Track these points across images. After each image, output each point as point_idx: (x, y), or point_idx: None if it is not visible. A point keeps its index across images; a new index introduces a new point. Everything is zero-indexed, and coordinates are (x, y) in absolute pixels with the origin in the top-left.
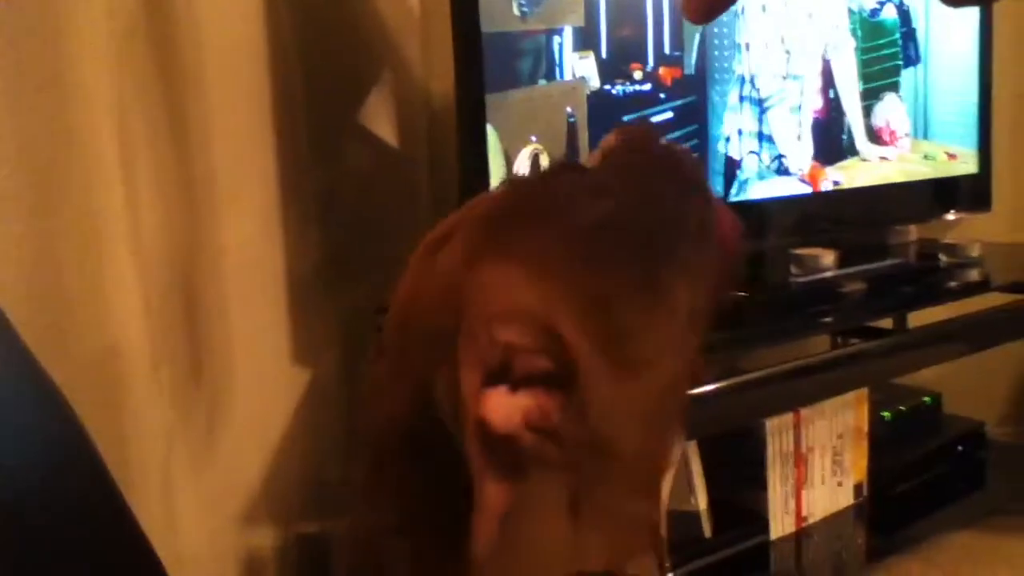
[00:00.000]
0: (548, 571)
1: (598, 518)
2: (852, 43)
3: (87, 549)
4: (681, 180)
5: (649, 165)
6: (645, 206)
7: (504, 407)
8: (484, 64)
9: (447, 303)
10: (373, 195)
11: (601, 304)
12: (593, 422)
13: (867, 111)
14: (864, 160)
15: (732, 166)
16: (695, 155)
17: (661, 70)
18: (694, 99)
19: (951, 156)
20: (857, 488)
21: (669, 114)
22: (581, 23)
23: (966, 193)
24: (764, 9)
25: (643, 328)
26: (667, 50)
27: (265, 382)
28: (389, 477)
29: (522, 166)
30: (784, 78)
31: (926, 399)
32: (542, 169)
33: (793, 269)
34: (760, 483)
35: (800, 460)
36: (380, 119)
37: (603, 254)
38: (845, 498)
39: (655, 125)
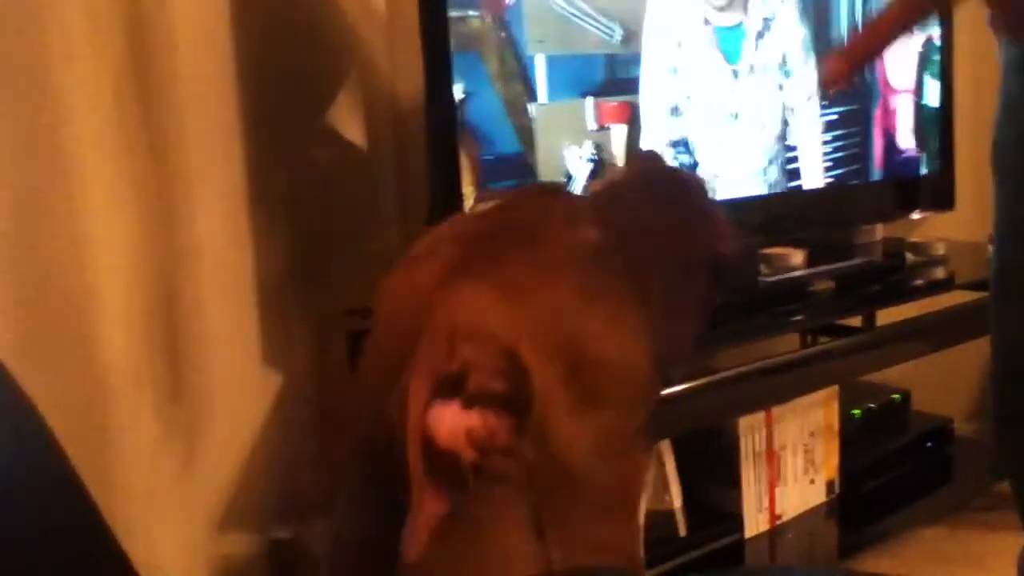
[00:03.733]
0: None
1: (564, 538)
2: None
3: (59, 563)
4: (682, 211)
5: (649, 195)
6: (631, 238)
7: (450, 423)
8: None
9: (417, 322)
10: (340, 197)
11: (569, 336)
12: (552, 448)
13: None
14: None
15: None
16: (702, 182)
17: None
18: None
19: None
20: (829, 485)
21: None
22: None
23: (930, 192)
24: None
25: (611, 362)
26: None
27: (236, 385)
28: (351, 489)
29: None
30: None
31: (895, 396)
32: (523, 191)
33: (763, 268)
34: (733, 481)
35: (772, 458)
36: (347, 121)
37: (579, 286)
38: (817, 495)
39: (659, 155)
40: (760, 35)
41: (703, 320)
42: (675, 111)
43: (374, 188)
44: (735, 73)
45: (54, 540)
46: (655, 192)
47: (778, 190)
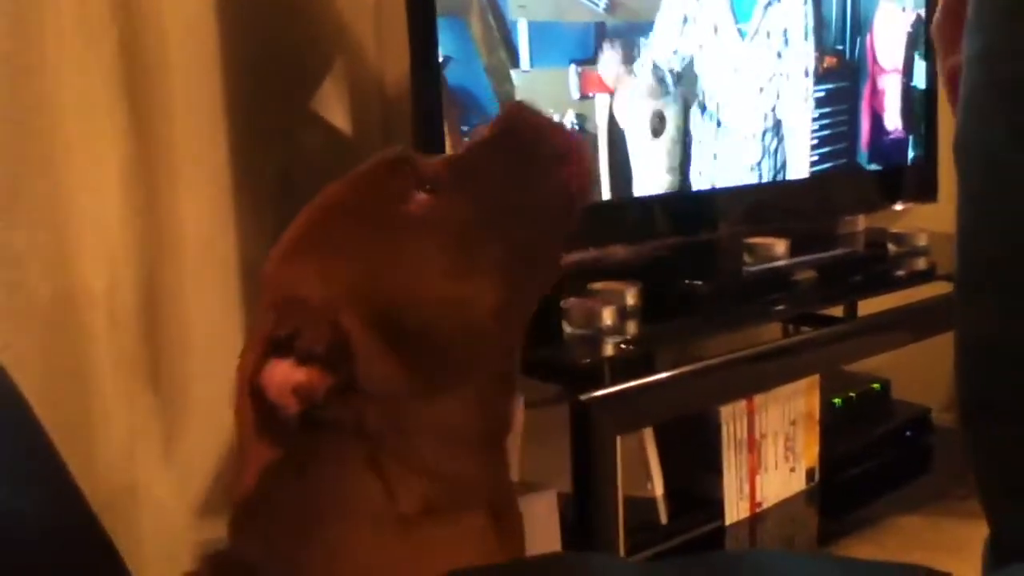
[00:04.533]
0: (356, 516)
1: (408, 475)
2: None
3: (53, 562)
4: (533, 163)
5: (502, 150)
6: (473, 198)
7: (278, 379)
8: (440, 47)
9: (263, 285)
10: (327, 181)
11: (384, 298)
12: (380, 395)
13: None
14: None
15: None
16: (558, 125)
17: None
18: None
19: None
20: (809, 473)
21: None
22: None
23: (913, 183)
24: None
25: (430, 315)
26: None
27: (219, 373)
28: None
29: None
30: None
31: (875, 385)
32: (375, 162)
33: (746, 258)
34: (715, 469)
35: (754, 446)
36: (333, 106)
37: (398, 251)
38: (797, 483)
39: (526, 105)
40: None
41: (555, 263)
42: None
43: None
44: (741, 33)
45: (46, 537)
46: (508, 146)
47: (765, 179)
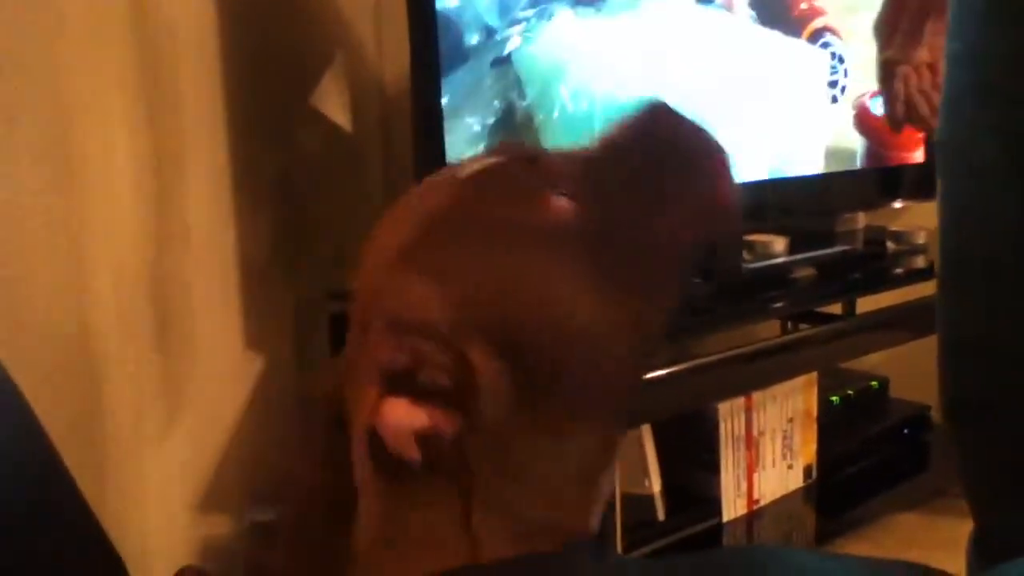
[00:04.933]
0: (439, 563)
1: (496, 524)
2: None
3: (46, 549)
4: (684, 187)
5: (650, 162)
6: (615, 213)
7: (398, 420)
8: (439, 46)
9: (367, 301)
10: (326, 179)
11: (518, 327)
12: (493, 440)
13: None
14: None
15: None
16: (722, 151)
17: None
18: None
19: None
20: (807, 471)
21: None
22: None
23: (912, 181)
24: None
25: (564, 352)
26: None
27: (217, 367)
28: (305, 469)
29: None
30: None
31: (873, 383)
32: (492, 161)
33: (745, 255)
34: (712, 466)
35: (751, 443)
36: (333, 103)
37: (536, 272)
38: (795, 480)
39: (672, 108)
40: None
41: (679, 302)
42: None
43: (360, 170)
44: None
45: (43, 531)
46: (657, 159)
47: (765, 176)
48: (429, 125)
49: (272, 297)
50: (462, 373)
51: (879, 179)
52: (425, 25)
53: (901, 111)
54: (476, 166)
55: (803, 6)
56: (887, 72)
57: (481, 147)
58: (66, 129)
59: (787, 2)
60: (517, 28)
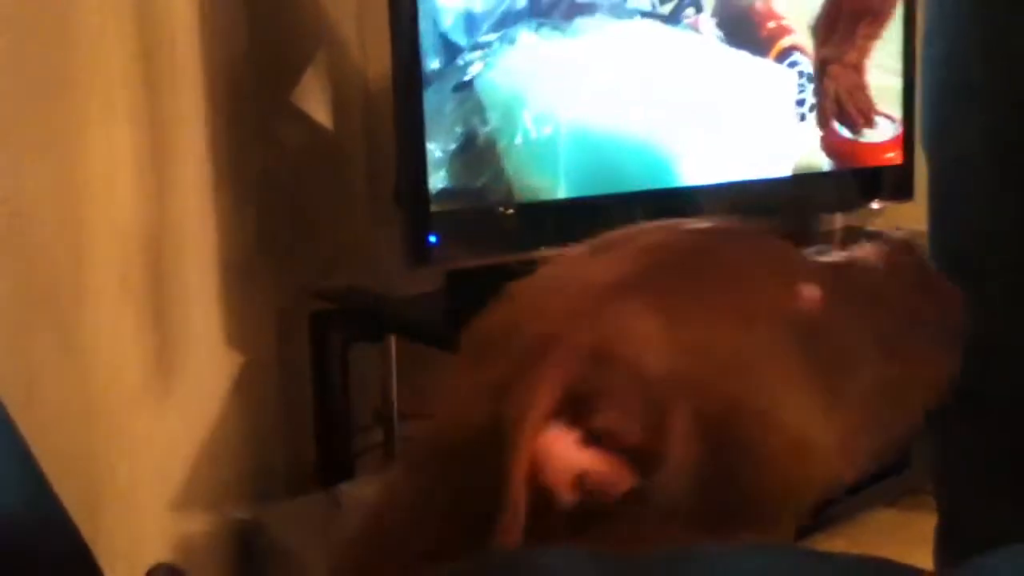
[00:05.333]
0: None
1: None
2: None
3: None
4: (921, 317)
5: (895, 287)
6: (855, 324)
7: (565, 456)
8: (422, 44)
9: (573, 311)
10: (309, 177)
11: (734, 410)
12: (648, 520)
13: None
14: None
15: None
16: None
17: None
18: None
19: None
20: None
21: None
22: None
23: (889, 182)
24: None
25: (769, 459)
26: None
27: (198, 364)
28: (427, 480)
29: None
30: None
31: None
32: (739, 226)
33: None
34: None
35: None
36: (316, 101)
37: (770, 354)
38: None
39: (914, 246)
40: None
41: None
42: None
43: (343, 168)
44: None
45: (19, 535)
46: (900, 286)
47: (741, 177)
48: (411, 123)
49: (254, 294)
50: (655, 434)
51: (856, 181)
52: (408, 22)
53: (830, 109)
54: (724, 225)
55: (771, 25)
56: (820, 71)
57: (442, 173)
58: (59, 124)
59: (754, 22)
60: (479, 53)
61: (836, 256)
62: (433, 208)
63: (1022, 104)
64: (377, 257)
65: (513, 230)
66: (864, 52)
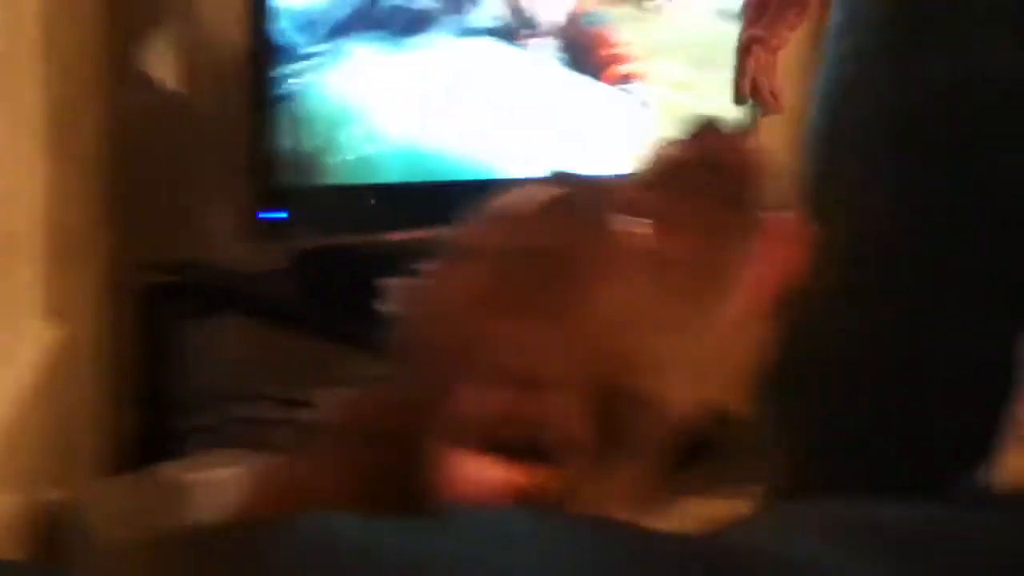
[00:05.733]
0: None
1: None
2: None
3: None
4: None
5: (716, 184)
6: (691, 234)
7: (485, 478)
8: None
9: (454, 346)
10: (154, 144)
11: (615, 379)
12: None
13: None
14: None
15: None
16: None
17: None
18: None
19: None
20: None
21: None
22: None
23: None
24: None
25: (652, 403)
26: None
27: (9, 333)
28: (349, 458)
29: None
30: None
31: None
32: (556, 192)
33: None
34: None
35: None
36: (164, 66)
37: (633, 309)
38: None
39: (729, 131)
40: None
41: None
42: None
43: (188, 135)
44: None
45: None
46: (720, 181)
47: None
48: (261, 85)
49: (78, 262)
50: (558, 428)
51: None
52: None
53: (746, 88)
54: (542, 198)
55: (609, 51)
56: (744, 50)
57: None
58: None
59: (592, 46)
60: (308, 64)
61: (651, 169)
62: (281, 183)
63: (925, 103)
64: (224, 232)
65: (366, 211)
66: (784, 40)
